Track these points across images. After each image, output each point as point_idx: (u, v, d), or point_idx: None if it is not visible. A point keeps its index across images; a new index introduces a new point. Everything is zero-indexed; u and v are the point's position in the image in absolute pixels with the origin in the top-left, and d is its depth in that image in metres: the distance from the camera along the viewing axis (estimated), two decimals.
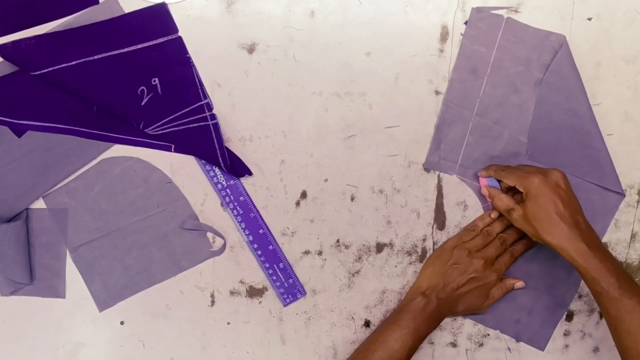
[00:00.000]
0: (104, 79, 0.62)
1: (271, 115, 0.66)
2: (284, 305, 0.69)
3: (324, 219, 0.69)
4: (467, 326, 0.71)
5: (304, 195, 0.68)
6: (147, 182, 0.67)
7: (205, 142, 0.65)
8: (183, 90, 0.65)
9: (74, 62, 0.61)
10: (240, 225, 0.67)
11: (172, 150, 0.66)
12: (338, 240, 0.69)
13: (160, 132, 0.65)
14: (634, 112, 0.69)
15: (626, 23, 0.67)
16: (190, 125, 0.65)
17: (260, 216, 0.68)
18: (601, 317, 0.72)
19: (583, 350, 0.73)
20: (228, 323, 0.69)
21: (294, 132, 0.67)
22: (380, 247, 0.70)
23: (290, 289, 0.69)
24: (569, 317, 0.72)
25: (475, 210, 0.70)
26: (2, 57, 0.62)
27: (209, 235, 0.68)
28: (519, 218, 0.63)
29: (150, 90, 0.64)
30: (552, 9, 0.66)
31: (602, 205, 0.68)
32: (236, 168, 0.66)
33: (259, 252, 0.68)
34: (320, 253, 0.69)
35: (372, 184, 0.68)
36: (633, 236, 0.71)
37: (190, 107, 0.65)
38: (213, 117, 0.65)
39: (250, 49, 0.65)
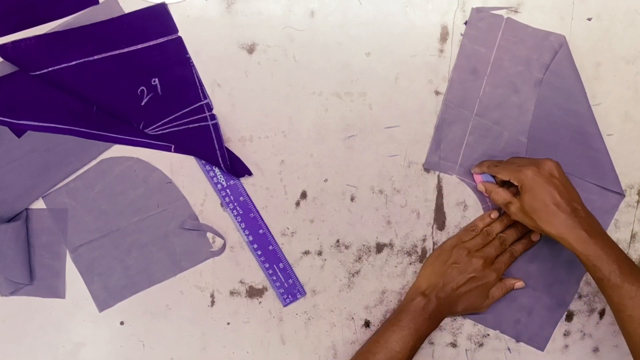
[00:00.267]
0: (104, 79, 0.62)
1: (271, 115, 0.66)
2: (284, 306, 0.69)
3: (324, 219, 0.69)
4: (467, 326, 0.71)
5: (304, 195, 0.68)
6: (147, 182, 0.67)
7: (205, 142, 0.65)
8: (183, 90, 0.65)
9: (74, 62, 0.62)
10: (240, 225, 0.67)
11: (172, 150, 0.66)
12: (338, 241, 0.69)
13: (160, 132, 0.65)
14: (634, 112, 0.69)
15: (626, 23, 0.67)
16: (190, 126, 0.65)
17: (260, 216, 0.68)
18: (601, 316, 0.72)
19: (583, 351, 0.73)
20: (228, 323, 0.69)
21: (294, 132, 0.67)
22: (380, 247, 0.70)
23: (290, 289, 0.69)
24: (569, 317, 0.72)
25: (475, 210, 0.70)
26: (2, 57, 0.62)
27: (209, 235, 0.68)
28: (517, 211, 0.63)
29: (150, 90, 0.64)
30: (552, 9, 0.66)
31: (602, 205, 0.68)
32: (236, 168, 0.66)
33: (259, 252, 0.68)
34: (320, 253, 0.69)
35: (372, 184, 0.68)
36: (633, 236, 0.71)
37: (190, 107, 0.65)
38: (213, 117, 0.65)
39: (250, 49, 0.65)
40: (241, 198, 0.67)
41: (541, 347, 0.71)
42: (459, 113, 0.67)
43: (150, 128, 0.64)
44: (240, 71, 0.65)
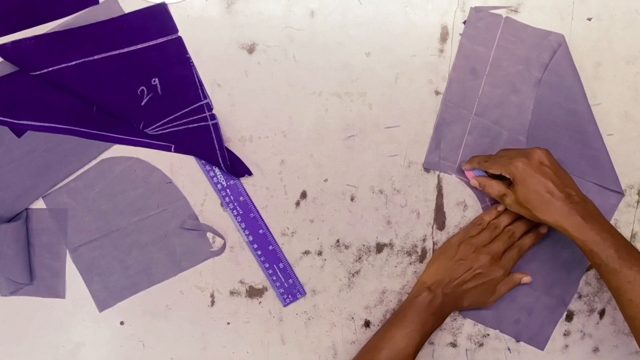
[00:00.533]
0: (104, 79, 0.62)
1: (271, 115, 0.66)
2: (284, 306, 0.69)
3: (324, 219, 0.69)
4: (467, 326, 0.71)
5: (304, 195, 0.68)
6: (147, 182, 0.67)
7: (205, 142, 0.65)
8: (183, 90, 0.65)
9: (74, 62, 0.62)
10: (240, 225, 0.68)
11: (172, 150, 0.66)
12: (338, 241, 0.69)
13: (160, 132, 0.65)
14: (634, 112, 0.69)
15: (626, 23, 0.67)
16: (190, 125, 0.65)
17: (260, 216, 0.68)
18: (601, 316, 0.72)
19: (583, 350, 0.73)
20: (228, 323, 0.69)
21: (294, 132, 0.67)
22: (380, 247, 0.70)
23: (290, 289, 0.69)
24: (569, 317, 0.72)
25: (475, 210, 0.70)
26: (2, 57, 0.62)
27: (209, 235, 0.68)
28: (512, 202, 0.63)
29: (150, 90, 0.64)
30: (552, 9, 0.66)
31: (601, 204, 0.68)
32: (236, 168, 0.66)
33: (259, 252, 0.68)
34: (320, 253, 0.69)
35: (372, 184, 0.68)
36: (633, 236, 0.71)
37: (190, 107, 0.65)
38: (213, 117, 0.65)
39: (250, 49, 0.65)
40: (241, 198, 0.67)
41: (541, 347, 0.71)
42: (458, 113, 0.67)
43: (150, 128, 0.64)
44: (240, 71, 0.65)
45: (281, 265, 0.68)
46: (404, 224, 0.69)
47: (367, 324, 0.70)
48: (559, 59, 0.66)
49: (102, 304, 0.68)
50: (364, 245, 0.69)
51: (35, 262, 0.66)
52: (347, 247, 0.69)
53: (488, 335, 0.71)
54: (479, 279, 0.66)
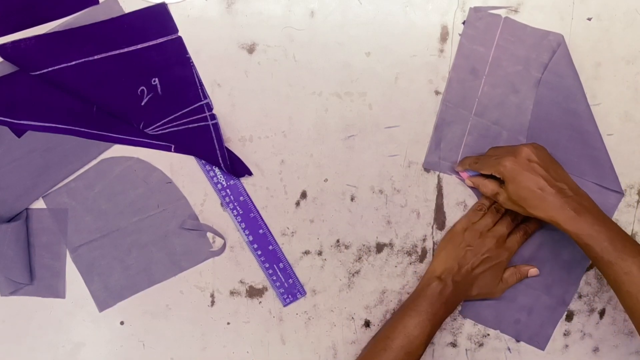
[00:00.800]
0: (104, 79, 0.62)
1: (271, 115, 0.66)
2: (284, 305, 0.69)
3: (324, 219, 0.69)
4: (467, 326, 0.71)
5: (304, 195, 0.68)
6: (147, 182, 0.67)
7: (205, 142, 0.65)
8: (183, 90, 0.65)
9: (74, 62, 0.62)
10: (240, 225, 0.68)
11: (172, 150, 0.66)
12: (338, 240, 0.69)
13: (160, 132, 0.65)
14: (634, 112, 0.69)
15: (626, 23, 0.67)
16: (190, 125, 0.65)
17: (260, 216, 0.68)
18: (601, 316, 0.72)
19: (583, 350, 0.73)
20: (228, 323, 0.69)
21: (294, 132, 0.67)
22: (380, 247, 0.70)
23: (290, 289, 0.69)
24: (569, 317, 0.72)
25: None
26: (2, 57, 0.62)
27: (209, 235, 0.68)
28: (506, 200, 0.63)
29: (150, 90, 0.64)
30: (552, 9, 0.66)
31: (601, 205, 0.68)
32: (236, 168, 0.66)
33: (259, 252, 0.68)
34: (320, 253, 0.69)
35: (372, 184, 0.68)
36: (633, 236, 0.71)
37: (190, 107, 0.65)
38: (213, 117, 0.65)
39: (250, 49, 0.65)
40: (241, 198, 0.67)
41: (542, 346, 0.71)
42: (458, 113, 0.67)
43: (150, 128, 0.64)
44: (240, 71, 0.65)
45: (281, 265, 0.68)
46: (404, 224, 0.69)
47: (367, 324, 0.70)
48: (558, 59, 0.66)
49: (102, 304, 0.68)
50: (364, 245, 0.69)
51: (35, 262, 0.66)
52: (347, 247, 0.69)
53: (488, 335, 0.71)
54: (487, 263, 0.66)
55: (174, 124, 0.65)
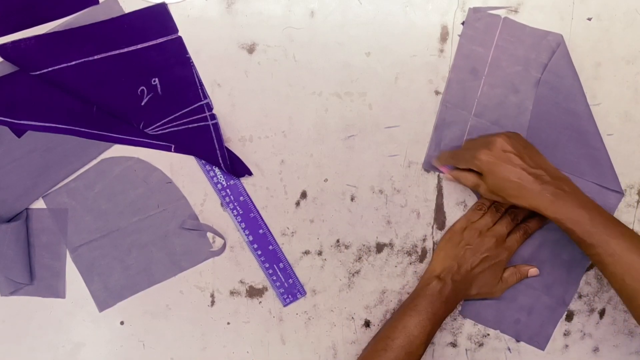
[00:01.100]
0: (104, 79, 0.62)
1: (271, 115, 0.66)
2: (284, 305, 0.69)
3: (324, 219, 0.69)
4: (467, 326, 0.71)
5: (304, 195, 0.68)
6: (147, 182, 0.67)
7: (205, 142, 0.65)
8: (183, 90, 0.65)
9: (74, 62, 0.62)
10: (240, 225, 0.68)
11: (172, 150, 0.66)
12: (338, 240, 0.69)
13: (160, 132, 0.65)
14: (634, 112, 0.69)
15: (626, 23, 0.67)
16: (190, 125, 0.65)
17: (260, 216, 0.68)
18: (601, 316, 0.72)
19: (583, 350, 0.73)
20: (228, 323, 0.69)
21: (294, 132, 0.67)
22: (380, 247, 0.70)
23: (290, 289, 0.69)
24: (569, 317, 0.72)
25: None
26: (2, 57, 0.62)
27: (209, 235, 0.68)
28: (486, 192, 0.63)
29: (150, 90, 0.64)
30: (552, 9, 0.66)
31: (601, 204, 0.68)
32: (236, 168, 0.66)
33: (259, 252, 0.68)
34: (320, 253, 0.69)
35: (372, 184, 0.68)
36: None
37: (190, 107, 0.65)
38: (213, 117, 0.65)
39: (250, 49, 0.65)
40: (241, 198, 0.67)
41: (542, 347, 0.71)
42: (457, 113, 0.67)
43: (150, 128, 0.64)
44: (240, 71, 0.65)
45: (281, 265, 0.68)
46: (404, 224, 0.69)
47: (367, 324, 0.70)
48: (558, 59, 0.66)
49: (102, 304, 0.68)
50: (364, 245, 0.69)
51: (35, 262, 0.66)
52: (347, 247, 0.69)
53: (488, 335, 0.71)
54: (486, 263, 0.66)
55: (174, 124, 0.65)
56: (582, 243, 0.58)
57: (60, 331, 0.68)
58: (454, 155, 0.65)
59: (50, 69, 0.61)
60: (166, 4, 0.63)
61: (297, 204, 0.68)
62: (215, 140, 0.65)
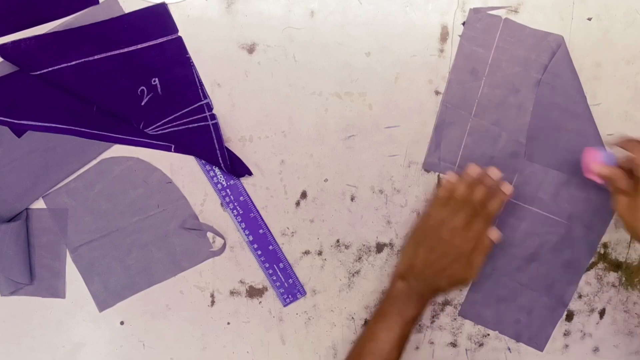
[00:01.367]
0: (103, 79, 0.62)
1: (271, 115, 0.66)
2: (284, 305, 0.69)
3: (324, 219, 0.69)
4: (467, 326, 0.71)
5: (304, 195, 0.68)
6: (147, 182, 0.67)
7: (205, 142, 0.65)
8: (183, 90, 0.65)
9: (73, 62, 0.62)
10: (240, 225, 0.68)
11: (172, 150, 0.66)
12: (338, 240, 0.69)
13: (160, 132, 0.65)
14: (634, 112, 0.69)
15: (626, 23, 0.67)
16: (190, 125, 0.65)
17: (260, 216, 0.68)
18: (601, 316, 0.72)
19: (583, 350, 0.73)
20: (228, 323, 0.69)
21: (294, 132, 0.67)
22: (380, 247, 0.70)
23: (290, 289, 0.69)
24: (569, 317, 0.72)
25: None
26: (2, 57, 0.62)
27: (209, 235, 0.68)
28: (626, 206, 0.58)
29: (150, 90, 0.64)
30: (552, 9, 0.66)
31: (603, 205, 0.68)
32: (236, 168, 0.66)
33: (259, 252, 0.68)
34: (320, 253, 0.69)
35: (372, 184, 0.68)
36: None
37: (190, 107, 0.65)
38: (213, 117, 0.65)
39: (250, 49, 0.65)
40: (241, 198, 0.67)
41: (540, 348, 0.71)
42: (458, 114, 0.67)
43: (150, 128, 0.64)
44: (240, 71, 0.65)
45: (281, 265, 0.68)
46: (404, 224, 0.69)
47: (367, 323, 0.70)
48: (558, 60, 0.66)
49: (102, 304, 0.68)
50: (364, 245, 0.69)
51: (35, 262, 0.66)
52: (347, 247, 0.69)
53: (488, 335, 0.71)
54: (449, 257, 0.63)
55: (174, 124, 0.65)
56: None
57: (60, 331, 0.68)
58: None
59: (50, 69, 0.61)
60: (166, 4, 0.63)
61: (297, 204, 0.68)
62: (215, 140, 0.65)
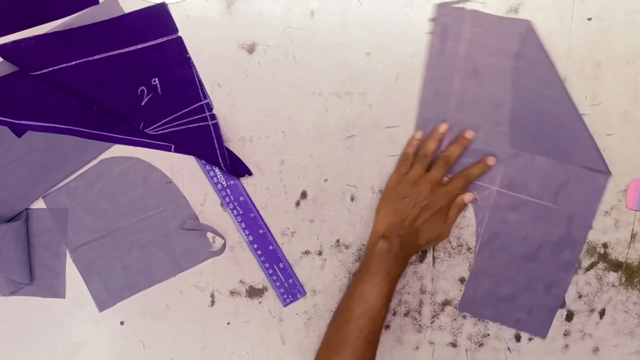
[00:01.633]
0: (104, 79, 0.62)
1: (271, 115, 0.66)
2: (284, 306, 0.69)
3: (324, 219, 0.69)
4: (467, 326, 0.71)
5: (304, 195, 0.68)
6: (147, 182, 0.67)
7: (205, 142, 0.65)
8: (183, 90, 0.65)
9: (74, 62, 0.62)
10: (240, 225, 0.68)
11: (172, 150, 0.66)
12: (338, 240, 0.69)
13: (160, 132, 0.65)
14: (634, 112, 0.69)
15: (626, 23, 0.67)
16: (190, 126, 0.65)
17: (260, 216, 0.68)
18: (601, 316, 0.72)
19: (583, 350, 0.73)
20: (228, 323, 0.69)
21: (294, 132, 0.67)
22: None
23: (290, 289, 0.69)
24: (569, 317, 0.72)
25: (472, 209, 0.70)
26: (2, 57, 0.62)
27: (209, 235, 0.68)
28: None
29: (150, 90, 0.64)
30: (552, 9, 0.66)
31: (589, 188, 0.68)
32: (236, 168, 0.66)
33: (259, 252, 0.68)
34: (320, 253, 0.69)
35: (372, 184, 0.68)
36: (633, 236, 0.71)
37: (190, 107, 0.65)
38: (213, 117, 0.65)
39: (250, 49, 0.65)
40: (241, 198, 0.67)
41: (543, 335, 0.71)
42: (436, 110, 0.67)
43: (150, 128, 0.64)
44: (240, 71, 0.65)
45: (281, 265, 0.68)
46: None
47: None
48: (528, 45, 0.65)
49: (102, 304, 0.68)
50: (364, 245, 0.69)
51: (35, 262, 0.66)
52: (347, 247, 0.69)
53: (488, 335, 0.71)
54: (428, 211, 0.64)
55: (174, 124, 0.65)
56: None
57: (60, 331, 0.68)
58: None
59: (50, 69, 0.61)
60: (166, 4, 0.63)
61: (297, 204, 0.68)
62: (215, 140, 0.65)
